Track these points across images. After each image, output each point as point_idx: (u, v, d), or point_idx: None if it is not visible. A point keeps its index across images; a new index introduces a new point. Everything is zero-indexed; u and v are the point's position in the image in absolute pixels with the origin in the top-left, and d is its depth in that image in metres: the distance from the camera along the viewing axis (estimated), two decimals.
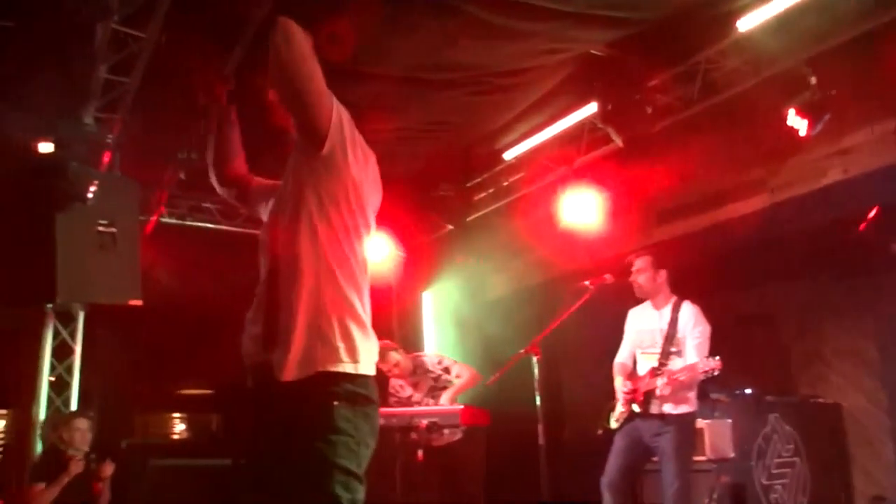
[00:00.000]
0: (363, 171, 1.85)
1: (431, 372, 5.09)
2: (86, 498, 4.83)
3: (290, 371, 1.72)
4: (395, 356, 5.08)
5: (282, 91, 1.81)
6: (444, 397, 4.89)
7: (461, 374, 5.02)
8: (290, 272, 1.76)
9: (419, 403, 5.03)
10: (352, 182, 1.81)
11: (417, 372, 5.15)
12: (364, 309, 1.83)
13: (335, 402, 1.70)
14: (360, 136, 1.90)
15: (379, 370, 1.86)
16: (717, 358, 3.84)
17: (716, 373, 3.84)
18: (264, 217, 2.02)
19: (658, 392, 3.93)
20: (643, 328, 4.21)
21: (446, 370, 5.06)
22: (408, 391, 5.15)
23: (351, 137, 1.82)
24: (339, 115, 1.80)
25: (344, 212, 1.80)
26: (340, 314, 1.76)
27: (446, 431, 4.88)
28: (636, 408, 4.01)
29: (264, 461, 1.75)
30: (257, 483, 1.76)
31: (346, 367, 1.74)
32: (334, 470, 1.66)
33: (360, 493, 1.73)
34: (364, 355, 1.79)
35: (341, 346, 1.75)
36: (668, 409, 3.95)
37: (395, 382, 5.21)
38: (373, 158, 1.94)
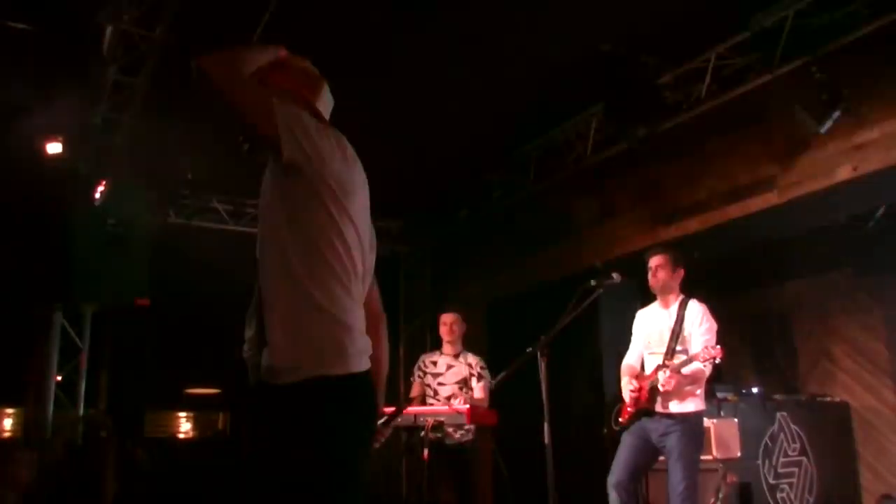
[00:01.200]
0: (333, 164, 1.80)
1: (471, 367, 4.93)
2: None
3: (278, 375, 1.73)
4: (452, 317, 4.97)
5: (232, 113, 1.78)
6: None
7: (480, 394, 4.85)
8: (271, 275, 1.78)
9: (442, 385, 4.91)
10: (323, 180, 1.77)
11: (459, 358, 4.98)
12: (354, 305, 1.82)
13: (325, 403, 1.70)
14: (323, 127, 1.85)
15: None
16: (718, 346, 3.82)
17: (717, 360, 3.80)
18: None
19: (661, 386, 3.89)
20: (651, 328, 4.18)
21: (479, 377, 4.89)
22: (441, 368, 4.97)
23: (306, 134, 1.75)
24: (286, 120, 1.73)
25: (321, 210, 1.77)
26: (326, 314, 1.75)
27: (459, 433, 4.78)
28: (642, 407, 3.98)
29: (259, 462, 1.77)
30: (254, 484, 1.77)
31: (335, 370, 1.73)
32: (328, 472, 1.67)
33: (359, 492, 1.73)
34: (354, 355, 1.77)
35: (328, 348, 1.74)
36: (675, 407, 3.91)
37: (430, 357, 5.07)
38: (345, 143, 1.88)
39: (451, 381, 4.93)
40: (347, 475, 1.71)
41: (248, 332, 1.89)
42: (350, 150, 1.90)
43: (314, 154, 1.75)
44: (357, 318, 1.82)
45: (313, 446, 1.68)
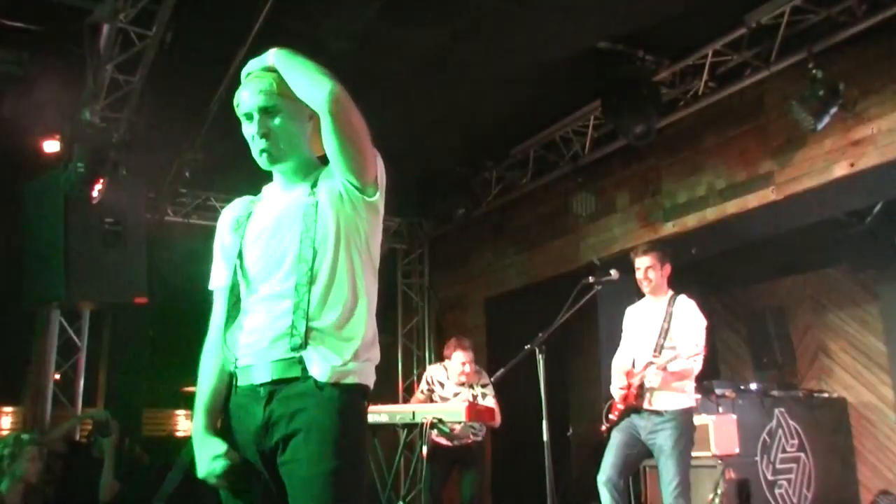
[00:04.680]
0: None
1: (473, 389, 4.90)
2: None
3: (325, 373, 1.77)
4: (469, 356, 4.90)
5: (339, 146, 1.81)
6: None
7: (492, 403, 4.81)
8: (333, 292, 1.82)
9: None
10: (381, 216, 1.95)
11: (465, 386, 4.93)
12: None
13: (364, 404, 1.80)
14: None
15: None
16: (701, 342, 3.82)
17: (699, 356, 3.81)
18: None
19: (648, 383, 3.89)
20: (641, 325, 4.15)
21: (483, 395, 4.88)
22: (448, 392, 4.95)
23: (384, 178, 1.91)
24: (381, 163, 1.89)
25: (375, 243, 1.94)
26: (369, 342, 1.86)
27: (472, 434, 4.82)
28: (631, 404, 3.97)
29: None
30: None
31: (370, 380, 1.85)
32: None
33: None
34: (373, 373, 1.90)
35: (367, 363, 1.85)
36: (663, 404, 3.88)
37: (438, 376, 5.01)
38: None
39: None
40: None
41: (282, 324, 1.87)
42: None
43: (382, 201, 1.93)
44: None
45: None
